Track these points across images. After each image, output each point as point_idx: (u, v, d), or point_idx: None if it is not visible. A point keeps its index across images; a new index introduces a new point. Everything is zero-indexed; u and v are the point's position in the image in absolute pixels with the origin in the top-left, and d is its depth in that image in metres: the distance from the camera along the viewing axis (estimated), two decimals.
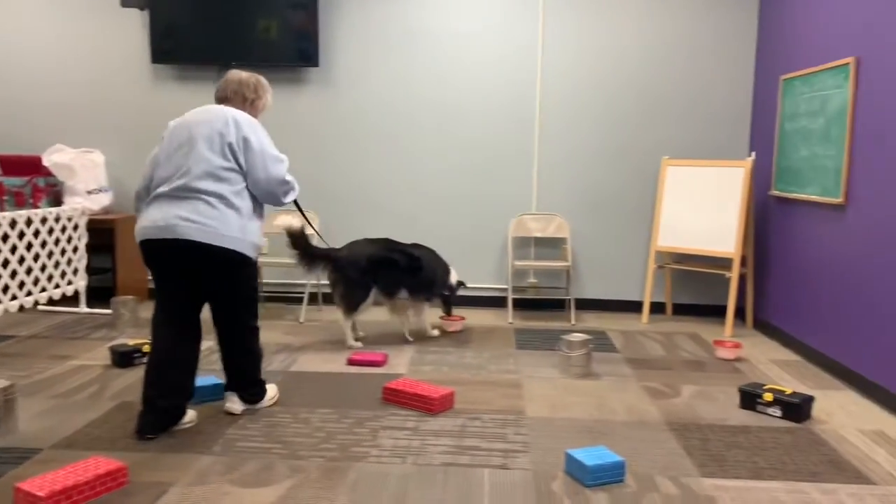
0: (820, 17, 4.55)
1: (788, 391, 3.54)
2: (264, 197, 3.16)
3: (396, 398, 3.55)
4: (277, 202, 3.22)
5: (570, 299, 5.67)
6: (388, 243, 4.71)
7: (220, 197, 2.99)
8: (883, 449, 3.16)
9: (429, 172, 5.84)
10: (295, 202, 3.43)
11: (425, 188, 5.84)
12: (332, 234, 5.65)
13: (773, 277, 5.17)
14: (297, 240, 4.28)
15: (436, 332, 4.94)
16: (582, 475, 2.74)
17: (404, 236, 5.81)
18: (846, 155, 4.12)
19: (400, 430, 3.24)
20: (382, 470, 2.84)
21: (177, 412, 3.15)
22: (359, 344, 4.64)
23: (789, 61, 4.98)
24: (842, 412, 3.61)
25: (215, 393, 3.53)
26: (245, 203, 3.08)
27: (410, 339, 4.81)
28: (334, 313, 5.54)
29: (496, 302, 5.88)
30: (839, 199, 4.17)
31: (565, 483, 2.75)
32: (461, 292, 5.24)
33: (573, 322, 5.49)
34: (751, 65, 5.63)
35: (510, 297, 5.60)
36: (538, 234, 5.75)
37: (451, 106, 5.77)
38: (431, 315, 5.05)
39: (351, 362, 4.20)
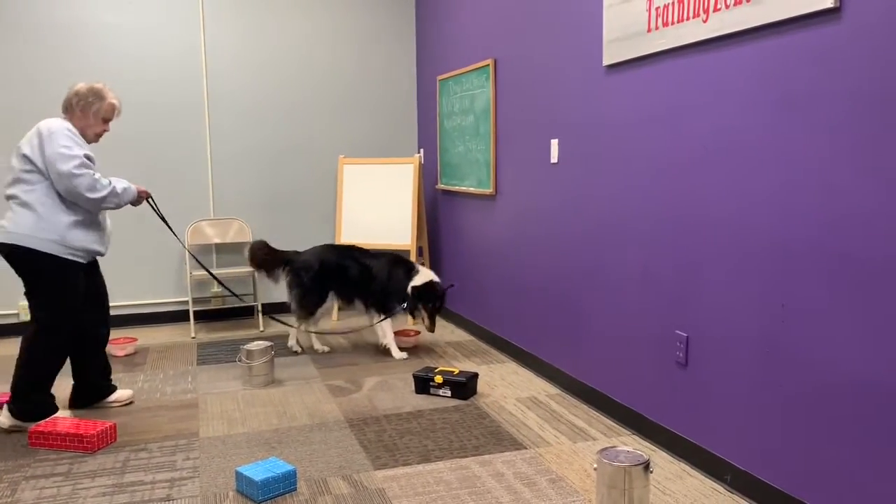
0: (464, 21, 4.93)
1: (456, 371, 3.79)
2: (67, 193, 3.18)
3: (46, 441, 3.12)
4: (80, 198, 3.19)
5: (257, 305, 5.52)
6: (347, 250, 4.63)
7: (15, 198, 3.20)
8: (534, 413, 3.51)
9: None
10: (149, 201, 3.60)
11: None
12: None
13: (447, 265, 5.53)
14: (256, 251, 4.61)
15: (401, 355, 4.50)
16: (252, 491, 2.64)
17: None
18: (492, 149, 4.52)
19: (48, 477, 2.85)
20: None
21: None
22: (326, 348, 4.72)
23: (443, 63, 5.34)
24: (503, 384, 3.96)
25: None
26: (42, 199, 3.17)
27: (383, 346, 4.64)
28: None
29: (178, 316, 5.52)
30: (490, 190, 4.57)
31: (236, 503, 2.63)
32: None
33: (262, 329, 5.36)
34: (413, 66, 5.94)
35: (191, 309, 5.27)
36: (217, 241, 5.50)
37: None
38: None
39: None
